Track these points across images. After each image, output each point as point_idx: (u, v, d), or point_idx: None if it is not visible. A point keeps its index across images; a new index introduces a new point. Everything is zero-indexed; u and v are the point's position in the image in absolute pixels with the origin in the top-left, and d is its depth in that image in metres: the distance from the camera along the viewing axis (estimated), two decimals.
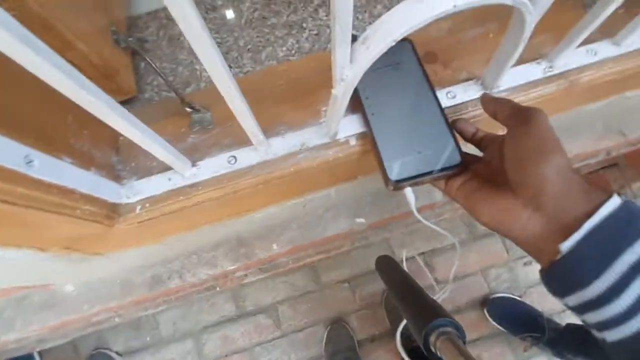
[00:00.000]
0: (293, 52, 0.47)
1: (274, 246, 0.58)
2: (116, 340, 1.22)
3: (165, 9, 0.28)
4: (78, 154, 0.33)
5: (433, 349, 0.30)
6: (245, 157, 0.38)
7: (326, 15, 0.49)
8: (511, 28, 0.30)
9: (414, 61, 0.40)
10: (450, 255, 1.25)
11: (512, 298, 1.19)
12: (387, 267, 0.45)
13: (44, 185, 0.28)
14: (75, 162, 0.32)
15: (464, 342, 0.30)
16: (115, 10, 0.66)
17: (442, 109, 0.36)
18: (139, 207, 0.38)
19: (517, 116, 0.29)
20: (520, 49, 0.32)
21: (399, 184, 0.34)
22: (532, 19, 0.27)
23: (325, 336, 1.21)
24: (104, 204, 0.35)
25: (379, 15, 0.56)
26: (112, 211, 0.37)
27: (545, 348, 1.08)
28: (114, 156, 0.40)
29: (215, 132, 0.41)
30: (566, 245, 0.24)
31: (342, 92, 0.30)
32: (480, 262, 1.26)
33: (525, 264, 1.26)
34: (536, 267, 0.27)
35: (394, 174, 0.34)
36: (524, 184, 0.27)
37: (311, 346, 1.22)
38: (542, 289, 0.28)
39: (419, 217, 0.40)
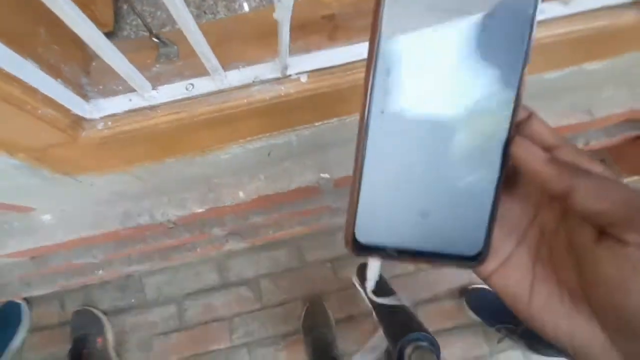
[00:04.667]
0: (265, 3, 0.49)
1: (241, 194, 0.61)
2: (102, 300, 1.27)
3: None
4: (45, 64, 0.37)
5: None
6: (202, 85, 0.41)
7: None
8: None
9: (526, 20, 0.19)
10: None
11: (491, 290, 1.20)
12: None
13: (3, 74, 0.31)
14: (41, 68, 0.36)
15: (438, 357, 0.28)
16: None
17: (507, 145, 0.19)
18: (101, 124, 0.41)
19: None
20: None
21: (365, 251, 0.20)
22: None
23: (303, 312, 1.23)
24: (67, 112, 0.38)
25: None
26: (76, 123, 0.40)
27: (519, 340, 1.08)
28: (84, 77, 0.43)
29: (180, 64, 0.44)
30: None
31: (282, 15, 0.33)
32: None
33: None
34: None
35: (365, 232, 0.20)
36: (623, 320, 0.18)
37: (289, 321, 1.24)
38: None
39: (371, 297, 0.30)
